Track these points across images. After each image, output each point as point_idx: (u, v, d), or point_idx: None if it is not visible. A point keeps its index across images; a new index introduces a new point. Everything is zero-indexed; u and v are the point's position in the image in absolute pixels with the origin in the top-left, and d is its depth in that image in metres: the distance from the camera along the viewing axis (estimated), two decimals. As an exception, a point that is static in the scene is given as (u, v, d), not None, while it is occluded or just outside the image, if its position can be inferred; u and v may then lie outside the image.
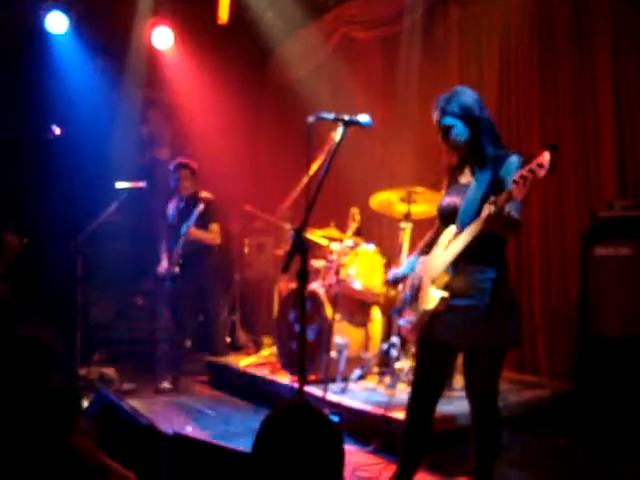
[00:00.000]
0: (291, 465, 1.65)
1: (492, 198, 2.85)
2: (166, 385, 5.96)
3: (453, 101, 3.14)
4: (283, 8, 7.67)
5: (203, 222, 6.11)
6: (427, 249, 3.38)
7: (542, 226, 5.69)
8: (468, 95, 3.17)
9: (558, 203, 5.59)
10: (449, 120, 3.12)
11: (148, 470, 2.58)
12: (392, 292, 5.10)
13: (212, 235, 6.27)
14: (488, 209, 2.83)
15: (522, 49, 5.93)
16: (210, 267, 6.46)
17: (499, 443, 3.22)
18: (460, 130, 3.12)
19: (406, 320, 3.36)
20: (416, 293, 3.29)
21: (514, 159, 3.04)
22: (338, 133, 3.19)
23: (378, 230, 6.77)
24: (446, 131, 3.15)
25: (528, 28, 5.87)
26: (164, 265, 6.26)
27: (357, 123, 3.17)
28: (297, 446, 1.67)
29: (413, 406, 3.33)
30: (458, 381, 4.61)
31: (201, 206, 5.93)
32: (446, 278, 3.10)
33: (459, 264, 3.06)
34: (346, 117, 3.17)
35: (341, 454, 1.75)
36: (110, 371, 6.29)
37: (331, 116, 3.18)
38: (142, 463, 2.61)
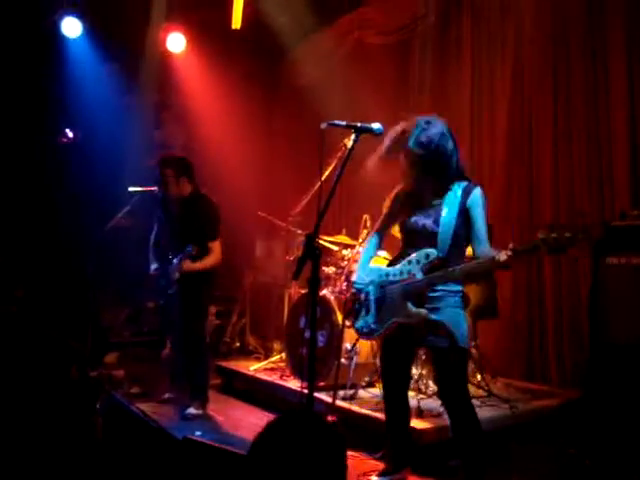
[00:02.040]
0: (288, 470, 1.65)
1: (513, 246, 3.08)
2: (193, 411, 5.27)
3: (426, 131, 3.33)
4: (296, 13, 7.69)
5: (200, 243, 5.18)
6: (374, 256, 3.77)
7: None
8: (438, 127, 3.35)
9: (570, 211, 5.56)
10: (419, 150, 3.33)
11: (157, 473, 2.58)
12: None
13: (211, 259, 5.28)
14: (508, 257, 3.06)
15: (535, 56, 5.92)
16: (208, 295, 5.58)
17: (482, 446, 3.41)
18: (428, 158, 3.33)
19: (366, 326, 3.59)
20: (379, 302, 3.53)
21: (478, 192, 3.37)
22: (350, 140, 3.21)
23: (389, 237, 6.75)
24: (415, 159, 3.37)
25: (541, 35, 5.85)
26: (154, 267, 5.53)
27: (369, 130, 3.21)
28: (296, 451, 1.67)
29: (389, 397, 3.75)
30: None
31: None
32: (424, 295, 3.35)
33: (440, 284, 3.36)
34: (358, 124, 3.19)
35: (343, 462, 1.74)
36: (120, 374, 6.30)
37: (343, 123, 3.21)
38: (151, 466, 2.61)
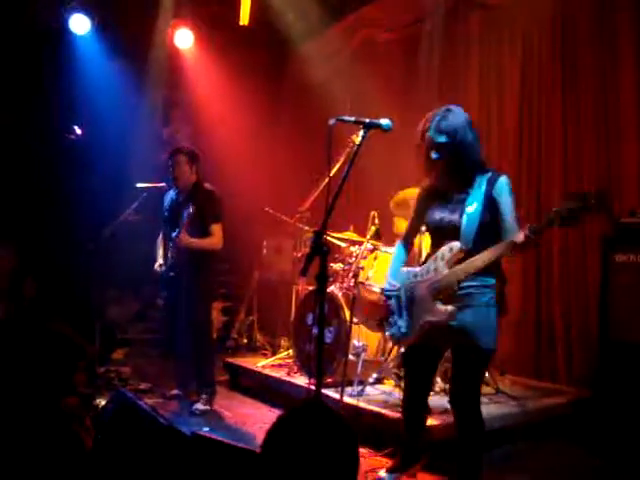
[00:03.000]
0: (302, 464, 1.63)
1: (529, 225, 3.02)
2: (201, 406, 5.30)
3: (446, 120, 3.28)
4: (304, 10, 7.69)
5: (201, 224, 5.27)
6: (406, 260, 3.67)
7: (562, 231, 5.64)
8: (460, 116, 3.31)
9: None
10: (441, 138, 3.26)
11: (167, 470, 2.58)
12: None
13: (212, 240, 5.30)
14: (526, 237, 2.99)
15: (544, 53, 5.89)
16: (208, 272, 5.47)
17: (481, 448, 3.40)
18: (450, 150, 3.26)
19: (398, 330, 3.52)
20: (408, 304, 3.46)
21: (505, 179, 3.27)
22: (359, 136, 3.19)
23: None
24: (438, 148, 3.28)
25: (550, 32, 5.83)
26: (159, 263, 5.59)
27: (378, 126, 3.19)
28: (309, 445, 1.66)
29: (409, 401, 3.68)
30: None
31: (191, 209, 5.11)
32: (452, 291, 3.25)
33: (467, 278, 3.24)
34: (367, 120, 3.18)
35: (355, 455, 1.73)
36: (127, 370, 6.32)
37: (352, 119, 3.19)
38: (161, 462, 2.61)
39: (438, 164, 3.33)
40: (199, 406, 5.30)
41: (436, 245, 3.39)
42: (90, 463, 2.46)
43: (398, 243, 3.79)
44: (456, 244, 3.23)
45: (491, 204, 3.23)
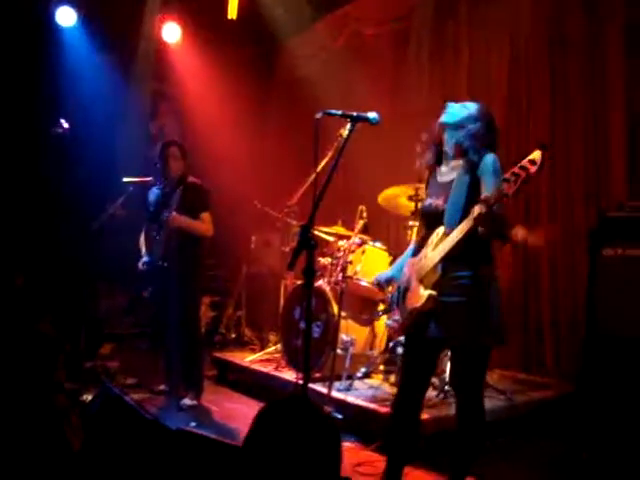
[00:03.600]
0: (283, 457, 1.62)
1: (482, 196, 2.90)
2: (188, 401, 5.31)
3: (455, 109, 3.31)
4: (292, 4, 7.66)
5: (191, 212, 5.28)
6: (416, 251, 3.46)
7: (550, 226, 5.66)
8: (470, 109, 3.30)
9: (567, 202, 5.56)
10: (443, 124, 3.31)
11: (152, 464, 2.57)
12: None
13: (202, 225, 5.33)
14: (479, 208, 2.85)
15: (532, 46, 5.89)
16: (197, 264, 5.47)
17: (481, 439, 3.33)
18: (453, 134, 3.26)
19: (392, 319, 3.48)
20: (404, 293, 3.37)
21: (489, 158, 3.14)
22: (346, 129, 3.17)
23: (385, 228, 6.75)
24: (440, 132, 3.33)
25: (538, 25, 5.82)
26: (142, 261, 5.50)
27: (365, 119, 3.17)
28: (290, 438, 1.64)
29: (401, 401, 3.44)
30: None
31: (180, 190, 5.21)
32: (434, 277, 3.17)
33: (447, 263, 3.13)
34: (354, 113, 3.16)
35: (337, 448, 1.71)
36: (114, 365, 6.29)
37: (339, 112, 3.16)
38: (146, 457, 2.60)
39: (435, 150, 3.37)
40: (187, 401, 5.29)
41: (428, 231, 3.31)
42: (77, 461, 2.45)
43: (411, 245, 3.66)
44: (441, 228, 3.18)
45: (476, 184, 3.12)
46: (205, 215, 5.33)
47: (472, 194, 3.10)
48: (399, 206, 5.43)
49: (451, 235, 3.06)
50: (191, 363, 5.40)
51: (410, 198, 5.19)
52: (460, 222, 3.05)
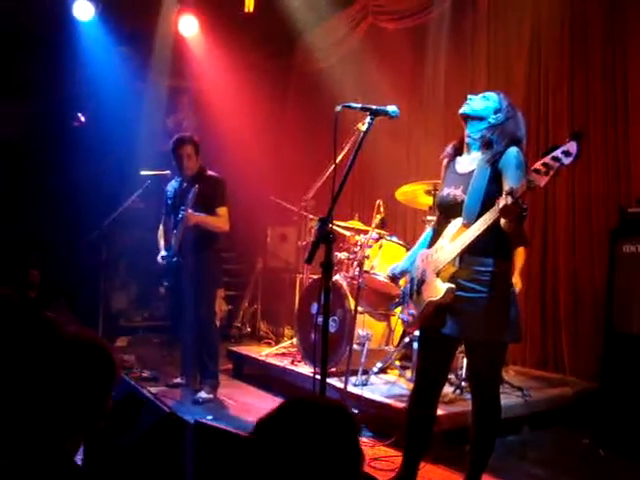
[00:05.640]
0: (297, 454, 1.59)
1: (508, 188, 2.84)
2: (204, 395, 5.28)
3: (475, 100, 3.26)
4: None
5: (208, 206, 5.26)
6: (430, 244, 3.44)
7: (569, 221, 5.61)
8: (490, 99, 3.26)
9: (586, 198, 5.50)
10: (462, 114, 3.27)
11: (170, 458, 2.57)
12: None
13: (219, 220, 5.32)
14: (505, 200, 2.78)
15: (552, 40, 5.82)
16: (214, 259, 5.47)
17: (496, 434, 3.30)
18: (475, 125, 3.22)
19: (407, 313, 3.44)
20: (418, 286, 3.33)
21: (512, 151, 3.09)
22: (365, 123, 3.15)
23: (402, 222, 6.73)
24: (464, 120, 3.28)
25: (559, 19, 5.75)
26: (161, 255, 5.49)
27: (384, 113, 3.13)
28: (305, 438, 1.61)
29: (417, 397, 3.41)
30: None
31: (195, 188, 5.11)
32: (452, 270, 3.13)
33: (465, 256, 3.09)
34: (374, 107, 3.13)
35: (356, 447, 1.67)
36: (130, 358, 6.31)
37: (358, 105, 3.14)
38: (164, 451, 2.60)
39: (457, 141, 3.33)
40: (202, 395, 5.29)
41: (445, 222, 3.25)
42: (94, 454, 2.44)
43: (428, 229, 3.63)
44: (459, 220, 3.13)
45: (497, 177, 3.08)
46: (222, 210, 5.31)
47: (492, 186, 3.06)
48: (417, 201, 5.40)
49: (473, 226, 3.01)
50: (207, 357, 5.39)
51: (428, 192, 5.16)
52: (479, 214, 3.01)
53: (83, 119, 6.15)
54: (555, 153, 2.69)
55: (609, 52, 5.39)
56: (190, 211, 5.16)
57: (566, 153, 2.67)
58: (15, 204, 7.05)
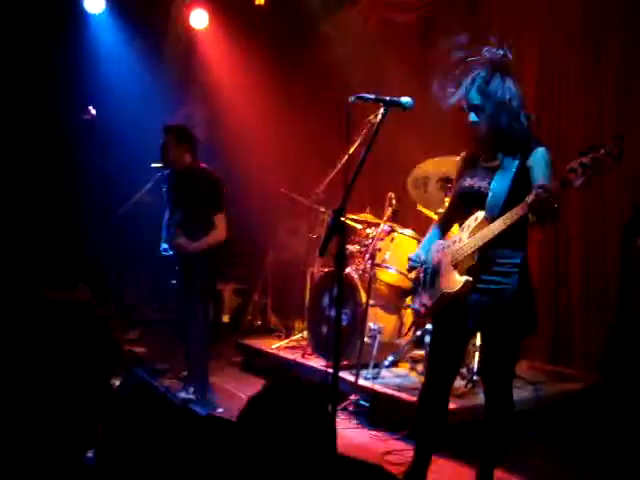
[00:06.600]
0: (276, 439, 1.64)
1: (539, 184, 2.79)
2: (184, 394, 5.08)
3: (490, 84, 3.11)
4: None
5: (202, 212, 4.94)
6: (442, 233, 3.46)
7: (581, 215, 5.56)
8: (506, 80, 3.13)
9: (599, 191, 5.45)
10: (480, 101, 3.11)
11: (181, 450, 2.57)
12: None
13: (215, 235, 4.94)
14: (536, 195, 2.74)
15: (566, 28, 5.75)
16: (209, 272, 5.11)
17: (509, 430, 3.28)
18: (489, 113, 3.09)
19: (420, 303, 3.39)
20: (433, 276, 3.30)
21: (541, 150, 3.05)
22: (378, 114, 3.12)
23: (414, 215, 6.70)
24: (475, 110, 3.14)
25: (574, 8, 5.69)
26: (161, 247, 5.29)
27: (398, 104, 3.11)
28: (280, 420, 1.67)
29: (428, 390, 3.39)
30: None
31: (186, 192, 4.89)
32: (471, 262, 3.11)
33: (485, 248, 3.05)
34: (387, 98, 3.11)
35: (329, 428, 1.72)
36: (142, 350, 6.32)
37: (372, 97, 3.11)
38: (175, 443, 2.60)
39: (475, 127, 3.17)
40: (182, 394, 5.06)
41: (465, 214, 3.21)
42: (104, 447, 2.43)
43: (433, 225, 3.59)
44: (481, 213, 3.09)
45: (524, 173, 3.02)
46: (218, 217, 4.96)
47: (518, 181, 3.02)
48: (428, 192, 5.39)
49: (497, 222, 2.96)
50: (195, 360, 5.11)
51: (441, 181, 5.13)
52: (502, 209, 2.97)
53: (94, 112, 6.12)
54: (597, 154, 2.66)
55: (622, 41, 5.33)
56: (183, 240, 4.93)
57: (608, 154, 2.65)
58: (26, 201, 7.05)
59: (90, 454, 2.05)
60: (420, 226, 6.32)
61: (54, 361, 1.87)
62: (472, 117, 3.16)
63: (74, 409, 1.87)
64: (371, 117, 4.52)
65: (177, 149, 5.01)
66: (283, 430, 1.67)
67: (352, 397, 4.70)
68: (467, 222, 3.18)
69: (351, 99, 3.01)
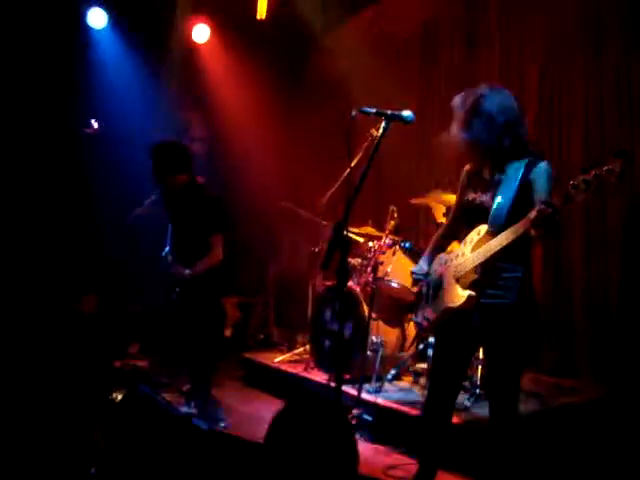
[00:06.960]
0: (300, 457, 1.64)
1: (543, 199, 2.80)
2: (185, 408, 5.12)
3: (486, 100, 3.13)
4: (322, 3, 7.64)
5: (200, 231, 4.78)
6: (444, 247, 3.47)
7: (583, 225, 5.56)
8: (495, 98, 3.15)
9: (598, 197, 5.44)
10: (477, 118, 3.12)
11: (183, 463, 2.57)
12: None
13: (211, 258, 4.75)
14: (539, 211, 2.72)
15: (565, 43, 5.78)
16: (211, 293, 4.97)
17: (516, 445, 3.22)
18: (482, 129, 3.10)
19: (423, 317, 3.39)
20: (435, 290, 3.31)
21: (543, 165, 3.06)
22: (380, 128, 3.13)
23: (416, 229, 6.71)
24: (469, 127, 3.14)
25: (572, 21, 5.71)
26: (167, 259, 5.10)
27: (400, 118, 3.12)
28: (305, 437, 1.67)
29: (431, 404, 3.39)
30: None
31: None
32: (473, 277, 3.11)
33: (488, 262, 3.05)
34: (389, 112, 3.11)
35: (352, 448, 1.72)
36: (145, 364, 6.30)
37: (373, 110, 3.12)
38: (177, 456, 2.59)
39: (475, 144, 3.17)
40: (185, 408, 5.07)
41: (468, 228, 3.22)
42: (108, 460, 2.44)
43: (434, 238, 3.60)
44: (484, 227, 3.09)
45: (526, 187, 3.03)
46: (216, 239, 4.78)
47: (521, 195, 3.02)
48: (432, 207, 5.41)
49: (500, 236, 2.96)
50: (198, 374, 5.05)
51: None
52: (505, 223, 2.98)
53: (96, 126, 6.14)
54: (598, 171, 2.65)
55: (622, 47, 5.34)
56: (177, 269, 4.82)
57: (610, 171, 2.64)
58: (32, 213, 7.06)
59: (93, 470, 2.05)
60: (421, 240, 6.35)
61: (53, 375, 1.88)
62: (465, 134, 3.17)
63: (73, 426, 1.87)
64: (372, 130, 4.57)
65: (169, 172, 4.80)
66: (310, 449, 1.67)
67: (355, 411, 4.68)
68: (470, 236, 3.18)
69: (353, 112, 3.02)
